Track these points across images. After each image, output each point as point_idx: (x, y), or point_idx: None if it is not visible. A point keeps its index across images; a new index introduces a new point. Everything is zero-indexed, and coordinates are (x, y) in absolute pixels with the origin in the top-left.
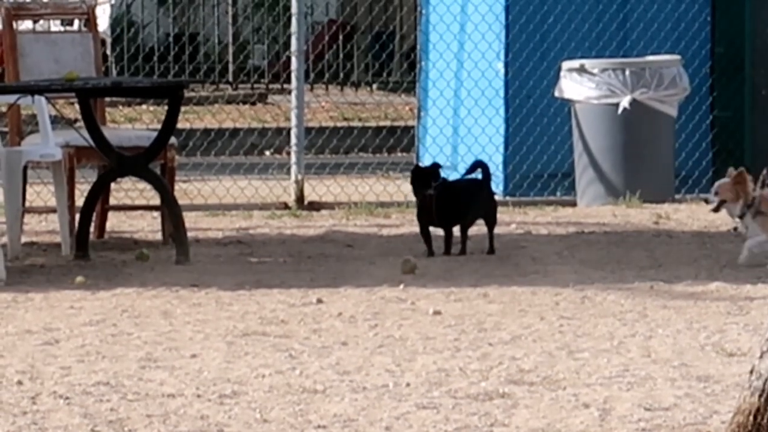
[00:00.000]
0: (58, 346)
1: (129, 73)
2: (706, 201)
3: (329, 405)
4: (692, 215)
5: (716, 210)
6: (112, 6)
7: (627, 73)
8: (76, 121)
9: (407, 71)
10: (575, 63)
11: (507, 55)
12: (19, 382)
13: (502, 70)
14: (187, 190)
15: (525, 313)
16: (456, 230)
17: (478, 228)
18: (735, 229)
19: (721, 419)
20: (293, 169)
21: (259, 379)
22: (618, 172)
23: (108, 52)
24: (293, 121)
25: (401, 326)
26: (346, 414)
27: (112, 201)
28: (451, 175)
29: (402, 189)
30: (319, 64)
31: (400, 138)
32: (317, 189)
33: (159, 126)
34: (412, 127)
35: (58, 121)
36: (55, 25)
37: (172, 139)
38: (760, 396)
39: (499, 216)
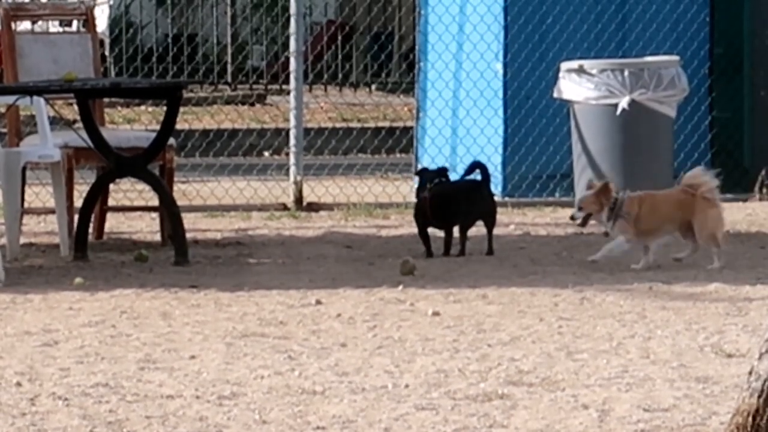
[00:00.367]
0: (57, 347)
1: (127, 74)
2: (572, 218)
3: (328, 406)
4: None
5: (583, 224)
6: (110, 7)
7: (626, 73)
8: (74, 122)
9: (406, 72)
10: (574, 64)
11: (506, 55)
12: (18, 384)
13: (501, 71)
14: (185, 191)
15: (524, 314)
16: (455, 231)
17: (477, 229)
18: (606, 234)
19: (720, 420)
20: (292, 170)
21: (258, 380)
22: (617, 173)
23: (106, 52)
24: (292, 122)
25: (400, 327)
26: (345, 415)
27: (111, 202)
28: (450, 176)
29: (401, 190)
30: (318, 64)
31: (398, 139)
32: (316, 190)
33: (157, 127)
34: (411, 127)
35: (56, 122)
36: (54, 26)
37: (171, 140)
38: (759, 397)
39: (498, 217)
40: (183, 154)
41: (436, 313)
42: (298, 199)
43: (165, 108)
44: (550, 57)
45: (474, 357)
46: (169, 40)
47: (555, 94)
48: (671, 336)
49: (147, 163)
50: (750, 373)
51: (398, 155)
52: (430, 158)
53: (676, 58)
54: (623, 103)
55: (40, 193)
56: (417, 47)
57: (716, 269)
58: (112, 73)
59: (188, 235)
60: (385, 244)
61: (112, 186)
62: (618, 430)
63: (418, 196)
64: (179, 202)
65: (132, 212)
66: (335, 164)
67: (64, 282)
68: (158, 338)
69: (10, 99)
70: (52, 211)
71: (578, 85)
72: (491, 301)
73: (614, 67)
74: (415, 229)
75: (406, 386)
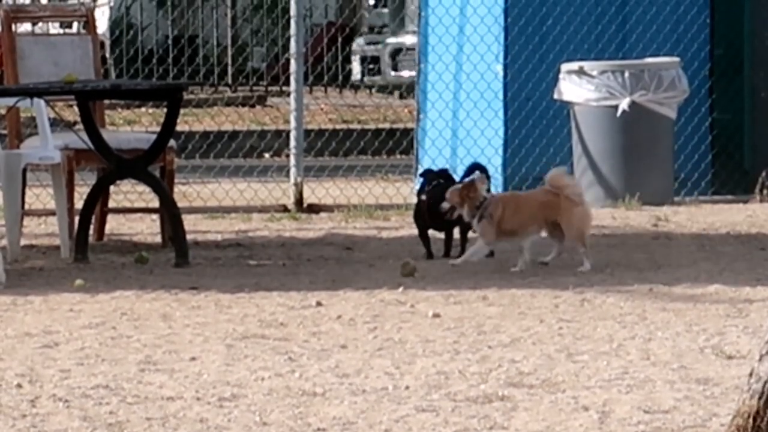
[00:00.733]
0: (57, 349)
1: (128, 76)
2: (441, 208)
3: (328, 408)
4: (691, 217)
5: (449, 215)
6: (111, 8)
7: (626, 75)
8: (75, 123)
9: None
10: (574, 65)
11: (506, 57)
12: (19, 385)
13: (501, 73)
14: (186, 192)
15: (524, 315)
16: (455, 233)
17: None
18: (473, 231)
19: (721, 422)
20: (292, 171)
21: (259, 382)
22: (617, 175)
23: (107, 54)
24: (292, 124)
25: (400, 329)
26: (346, 417)
27: (111, 204)
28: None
29: (401, 191)
30: (318, 66)
31: (399, 140)
32: (316, 191)
33: (158, 128)
34: (411, 129)
35: (57, 123)
36: (54, 28)
37: (171, 142)
38: (760, 398)
39: None
40: (183, 155)
41: (436, 315)
42: (299, 200)
43: (165, 110)
44: (550, 58)
45: (474, 359)
46: (170, 41)
47: (555, 96)
48: (672, 337)
49: (147, 164)
50: (750, 374)
51: (398, 157)
52: (430, 160)
53: (676, 59)
54: (623, 104)
55: (41, 195)
56: (417, 48)
57: (587, 270)
58: (113, 75)
59: (189, 237)
60: (385, 245)
61: (112, 188)
62: (618, 431)
63: (419, 197)
64: (180, 204)
65: (132, 214)
66: (335, 166)
67: (64, 284)
68: (159, 340)
69: (10, 101)
70: (52, 213)
71: (578, 86)
72: (492, 303)
73: (614, 69)
74: (415, 231)
75: (407, 388)
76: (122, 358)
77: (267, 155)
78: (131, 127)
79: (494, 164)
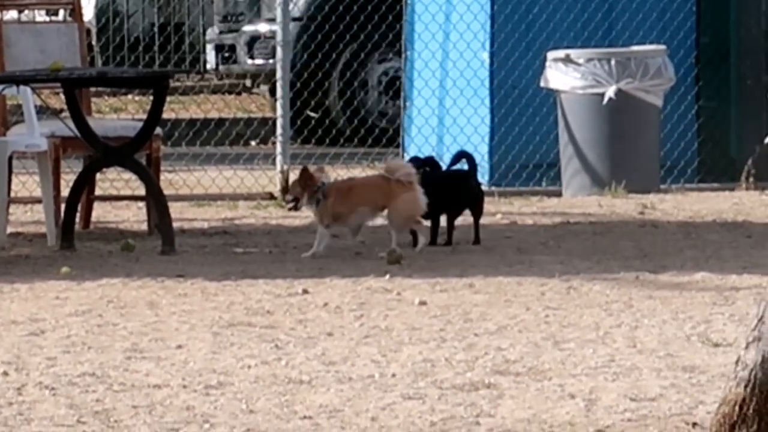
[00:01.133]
0: (43, 336)
1: (114, 63)
2: (286, 202)
3: (315, 395)
4: (678, 205)
5: (295, 208)
6: None
7: (612, 63)
8: (61, 111)
9: None
10: (560, 53)
11: (492, 45)
12: (5, 373)
13: (488, 60)
14: (172, 180)
15: (510, 303)
16: (442, 220)
17: (464, 218)
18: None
19: (707, 409)
20: (279, 159)
21: (245, 369)
22: (603, 163)
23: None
24: (279, 112)
25: (387, 317)
26: (332, 404)
27: (98, 191)
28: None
29: None
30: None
31: (385, 128)
32: None
33: (144, 116)
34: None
35: (43, 111)
36: (40, 15)
37: (158, 130)
38: (746, 386)
39: (484, 206)
40: (170, 143)
41: (422, 303)
42: (285, 188)
43: (151, 97)
44: (536, 46)
45: (461, 346)
46: (156, 29)
47: (541, 84)
48: (658, 325)
49: (134, 152)
50: (737, 362)
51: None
52: (416, 147)
53: (662, 47)
54: (610, 92)
55: (27, 183)
56: (403, 36)
57: (420, 250)
58: (99, 63)
59: (175, 225)
60: (371, 233)
61: (98, 175)
62: (605, 419)
63: None
64: (166, 192)
65: (119, 201)
66: (322, 153)
67: (50, 271)
68: (145, 327)
69: None
70: (38, 201)
71: (565, 74)
72: (478, 291)
73: (601, 57)
74: None
75: (393, 375)
76: (109, 345)
77: (253, 143)
78: (117, 114)
79: (480, 152)
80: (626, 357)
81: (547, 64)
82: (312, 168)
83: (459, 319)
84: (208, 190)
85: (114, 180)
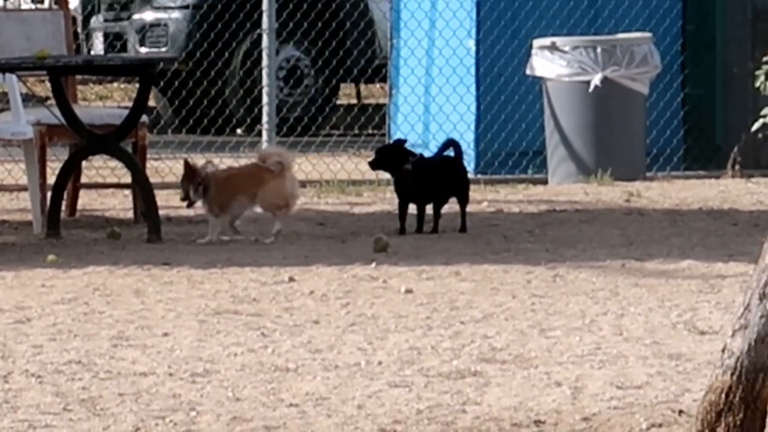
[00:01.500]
0: (29, 324)
1: None
2: (182, 199)
3: (301, 383)
4: (664, 193)
5: (189, 204)
6: None
7: (598, 50)
8: (47, 99)
9: None
10: (546, 41)
11: (478, 32)
12: None
13: (474, 48)
14: (158, 168)
15: (497, 291)
16: (429, 208)
17: (450, 206)
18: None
19: (693, 397)
20: (265, 147)
21: (231, 357)
22: (589, 150)
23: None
24: (264, 99)
25: (373, 304)
26: (318, 392)
27: (84, 179)
28: (424, 153)
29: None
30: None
31: (371, 116)
32: None
33: (130, 104)
34: (384, 105)
35: (29, 99)
36: (26, 3)
37: (144, 117)
38: (732, 374)
39: (470, 194)
40: (156, 131)
41: (409, 291)
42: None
43: (137, 85)
44: (522, 34)
45: (447, 334)
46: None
47: (527, 71)
48: (644, 313)
49: (120, 140)
50: (723, 350)
51: (371, 132)
52: (402, 135)
53: (648, 35)
54: (596, 80)
55: (13, 170)
56: (389, 24)
57: (271, 237)
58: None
59: (161, 213)
60: (357, 221)
61: (84, 163)
62: (591, 407)
63: (391, 171)
64: (152, 179)
65: (105, 189)
66: (308, 141)
67: (36, 259)
68: (131, 315)
69: None
70: (24, 189)
71: (551, 62)
72: (464, 279)
73: (587, 44)
74: (388, 207)
75: (379, 363)
76: (95, 333)
77: (239, 131)
78: (103, 102)
79: (466, 140)
80: (612, 345)
81: (533, 51)
82: (194, 161)
83: (445, 307)
84: None
85: (100, 168)
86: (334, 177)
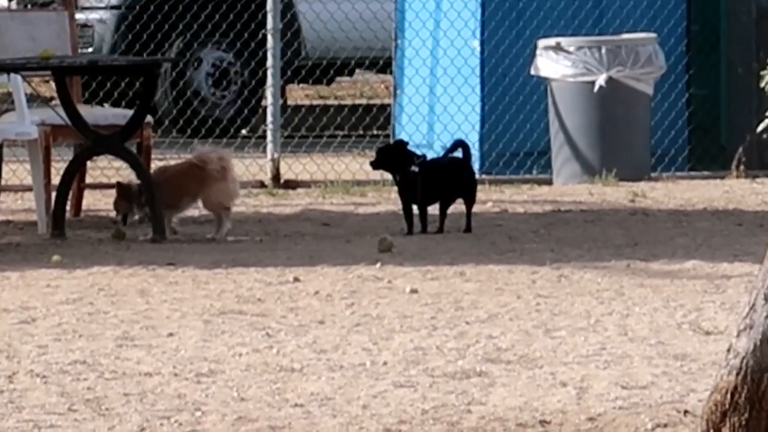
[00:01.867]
0: (34, 324)
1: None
2: (114, 221)
3: (306, 383)
4: (668, 193)
5: (124, 223)
6: None
7: (603, 51)
8: (51, 99)
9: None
10: (551, 41)
11: (483, 33)
12: None
13: (478, 48)
14: None
15: (502, 291)
16: (433, 209)
17: (455, 206)
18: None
19: (698, 397)
20: (269, 147)
21: (236, 357)
22: (594, 151)
23: None
24: (269, 99)
25: (378, 305)
26: (323, 392)
27: (88, 179)
28: (428, 154)
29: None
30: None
31: (376, 116)
32: (293, 167)
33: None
34: (388, 105)
35: (33, 99)
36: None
37: (148, 118)
38: (738, 374)
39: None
40: (160, 131)
41: (414, 291)
42: (276, 176)
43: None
44: (527, 34)
45: (452, 334)
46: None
47: (532, 72)
48: (649, 313)
49: (124, 140)
50: (728, 350)
51: (376, 132)
52: (407, 135)
53: (653, 35)
54: (600, 80)
55: (18, 171)
56: (394, 24)
57: (221, 238)
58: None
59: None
60: (362, 221)
61: (89, 163)
62: (596, 407)
63: (393, 172)
64: None
65: (109, 189)
66: (312, 142)
67: (41, 259)
68: (136, 315)
69: None
70: (29, 189)
71: (555, 62)
72: (469, 279)
73: (591, 45)
74: (392, 207)
75: (384, 364)
76: (100, 333)
77: (244, 131)
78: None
79: (471, 140)
80: (617, 345)
81: (538, 52)
82: (123, 181)
83: (450, 307)
84: None
85: (105, 168)
86: (338, 177)
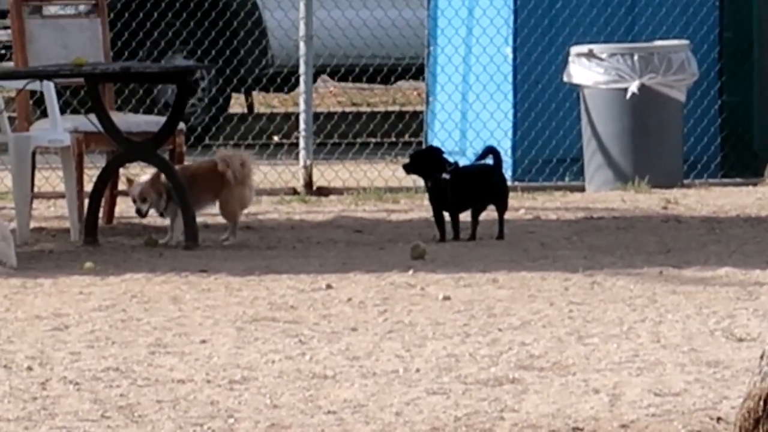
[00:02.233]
0: (67, 331)
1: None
2: (140, 212)
3: (339, 390)
4: (701, 200)
5: (144, 215)
6: None
7: (635, 58)
8: (85, 105)
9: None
10: (583, 48)
11: (515, 39)
12: (29, 368)
13: (511, 55)
14: None
15: (534, 298)
16: (465, 215)
17: (487, 213)
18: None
19: (731, 404)
20: (302, 154)
21: (269, 364)
22: (626, 158)
23: None
24: (302, 106)
25: (411, 312)
26: (356, 399)
27: (121, 186)
28: (461, 161)
29: (410, 174)
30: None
31: (408, 123)
32: (326, 174)
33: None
34: (421, 112)
35: (67, 106)
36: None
37: (181, 125)
38: None
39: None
40: (193, 138)
41: (446, 298)
42: (308, 183)
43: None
44: (559, 41)
45: (485, 341)
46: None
47: (564, 79)
48: (682, 320)
49: (157, 147)
50: (761, 357)
51: (408, 139)
52: (440, 142)
53: (685, 42)
54: (633, 87)
55: (50, 178)
56: (427, 31)
57: (230, 243)
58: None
59: (198, 220)
60: (395, 228)
61: (122, 170)
62: (629, 414)
63: (425, 178)
64: None
65: None
66: (345, 149)
67: (74, 266)
68: (169, 322)
69: (20, 83)
70: (62, 196)
71: (588, 69)
72: (502, 286)
73: (624, 52)
74: (425, 214)
75: (417, 370)
76: (132, 340)
77: (276, 138)
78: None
79: (503, 147)
80: (650, 352)
81: (570, 59)
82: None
83: (483, 314)
84: None
85: (137, 175)
86: (371, 184)
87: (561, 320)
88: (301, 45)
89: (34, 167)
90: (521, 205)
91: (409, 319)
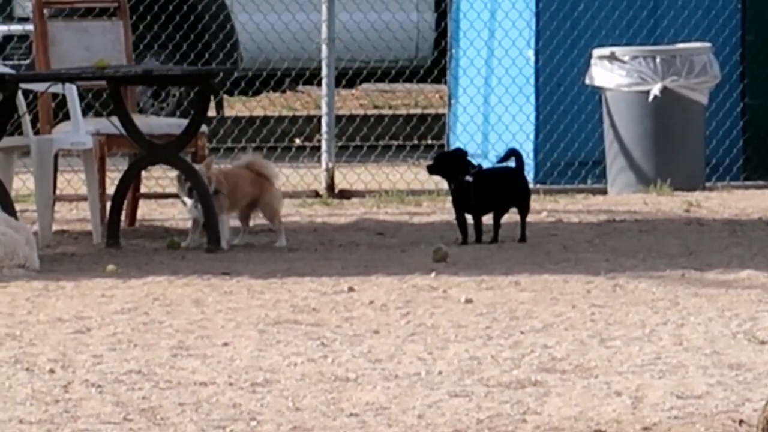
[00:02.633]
0: (89, 334)
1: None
2: (185, 202)
3: (361, 393)
4: (723, 203)
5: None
6: None
7: (658, 60)
8: (107, 107)
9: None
10: (606, 50)
11: (537, 42)
12: (51, 371)
13: (533, 58)
14: None
15: (557, 301)
16: (487, 218)
17: (509, 216)
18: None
19: (754, 407)
20: (324, 157)
21: (291, 367)
22: (649, 160)
23: None
24: (324, 109)
25: (433, 314)
26: (379, 402)
27: (143, 189)
28: (483, 164)
29: (433, 177)
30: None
31: (430, 126)
32: (348, 177)
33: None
34: (443, 114)
35: (89, 108)
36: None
37: (203, 127)
38: None
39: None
40: (215, 140)
41: (468, 300)
42: (330, 186)
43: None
44: (581, 44)
45: (507, 344)
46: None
47: (587, 81)
48: (704, 323)
49: (179, 150)
50: None
51: (430, 142)
52: (462, 145)
53: (707, 44)
54: (655, 90)
55: (72, 180)
56: (449, 34)
57: (284, 247)
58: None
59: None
60: (417, 231)
61: (144, 173)
62: (651, 417)
63: (449, 180)
64: None
65: (164, 199)
66: (367, 151)
67: (96, 269)
68: (191, 325)
69: (42, 86)
70: (84, 198)
71: (610, 71)
72: (524, 288)
73: (646, 54)
74: (447, 216)
75: (440, 373)
76: (155, 343)
77: (298, 140)
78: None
79: (526, 150)
80: (672, 354)
81: (592, 61)
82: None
83: (505, 317)
84: None
85: (159, 178)
86: (393, 187)
87: (583, 323)
88: (324, 47)
89: (56, 170)
90: (543, 207)
91: (432, 322)
